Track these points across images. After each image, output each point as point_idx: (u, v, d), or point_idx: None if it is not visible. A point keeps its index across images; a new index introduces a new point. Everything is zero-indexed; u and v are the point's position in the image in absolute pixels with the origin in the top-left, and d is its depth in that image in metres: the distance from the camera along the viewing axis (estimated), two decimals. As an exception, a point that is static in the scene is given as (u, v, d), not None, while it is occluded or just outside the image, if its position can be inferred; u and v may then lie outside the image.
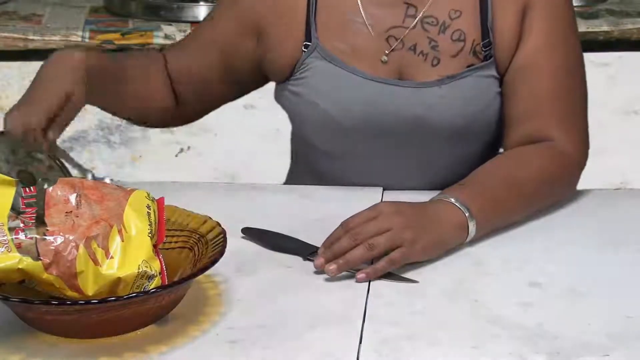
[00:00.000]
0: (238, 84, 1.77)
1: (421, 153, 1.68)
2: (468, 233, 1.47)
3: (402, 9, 1.64)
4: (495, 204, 1.51)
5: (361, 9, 1.65)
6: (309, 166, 1.79)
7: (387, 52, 1.64)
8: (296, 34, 1.67)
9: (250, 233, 1.52)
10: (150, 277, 1.24)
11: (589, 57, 2.78)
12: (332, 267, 1.39)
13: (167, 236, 1.32)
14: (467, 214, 1.47)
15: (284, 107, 1.75)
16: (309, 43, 1.66)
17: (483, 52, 1.64)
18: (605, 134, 2.72)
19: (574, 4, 2.85)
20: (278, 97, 1.75)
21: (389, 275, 1.40)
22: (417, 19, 1.64)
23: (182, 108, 1.76)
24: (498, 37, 1.63)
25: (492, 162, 1.62)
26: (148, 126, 1.91)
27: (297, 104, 1.70)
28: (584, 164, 1.66)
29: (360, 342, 1.25)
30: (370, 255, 1.39)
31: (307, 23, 1.66)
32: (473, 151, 1.69)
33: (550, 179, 1.60)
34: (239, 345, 1.25)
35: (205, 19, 1.81)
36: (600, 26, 2.80)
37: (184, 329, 1.27)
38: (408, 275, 1.41)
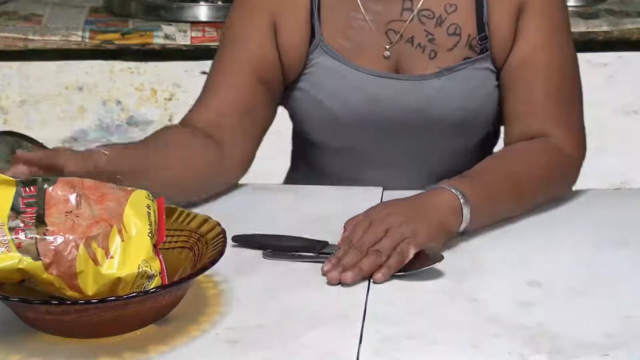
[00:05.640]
0: (276, 100, 1.73)
1: (420, 147, 1.70)
2: (463, 218, 1.48)
3: (399, 3, 1.67)
4: (490, 193, 1.52)
5: (361, 5, 1.68)
6: (308, 164, 1.79)
7: (387, 46, 1.67)
8: (301, 29, 1.68)
9: (245, 240, 1.50)
10: (150, 277, 1.24)
11: (589, 57, 2.81)
12: (348, 275, 1.38)
13: (167, 236, 1.32)
14: (461, 199, 1.47)
15: (286, 107, 1.76)
16: (313, 39, 1.68)
17: (479, 46, 1.66)
18: (605, 134, 2.72)
19: (574, 4, 2.91)
20: (282, 99, 1.74)
21: (409, 270, 1.41)
22: (414, 12, 1.66)
23: (228, 159, 1.65)
24: (494, 33, 1.66)
25: (491, 157, 1.64)
26: (199, 197, 1.64)
27: (300, 100, 1.71)
28: (582, 162, 1.67)
29: (360, 342, 1.25)
30: (381, 261, 1.39)
31: (311, 20, 1.68)
32: (471, 145, 1.71)
33: (547, 174, 1.61)
34: (238, 345, 1.25)
35: (225, 48, 1.70)
36: (600, 26, 2.80)
37: (183, 329, 1.27)
38: (408, 277, 1.41)
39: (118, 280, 1.22)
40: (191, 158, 1.60)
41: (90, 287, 1.22)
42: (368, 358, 1.22)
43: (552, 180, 1.62)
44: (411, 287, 1.39)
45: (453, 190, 1.48)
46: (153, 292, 1.22)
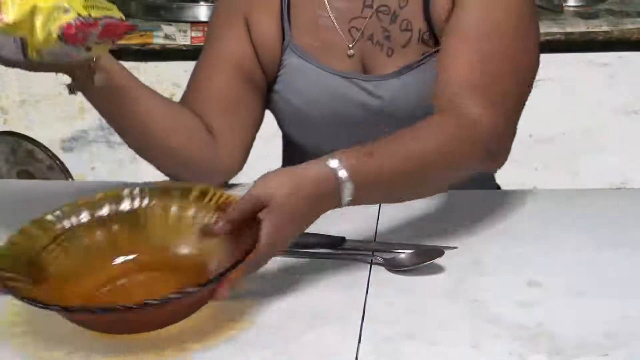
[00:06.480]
0: (262, 98, 1.74)
1: None
2: (342, 199, 1.36)
3: (361, 0, 1.67)
4: (384, 171, 1.40)
5: (327, 3, 1.69)
6: (290, 163, 1.78)
7: (350, 45, 1.68)
8: (273, 30, 1.70)
9: None
10: (66, 11, 1.29)
11: (589, 57, 2.81)
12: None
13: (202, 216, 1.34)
14: (345, 181, 1.35)
15: (269, 108, 1.77)
16: (285, 39, 1.70)
17: (432, 39, 1.64)
18: (605, 133, 2.72)
19: (574, 4, 2.91)
20: (267, 100, 1.76)
21: (409, 266, 1.41)
22: (373, 8, 1.67)
23: (218, 147, 1.67)
24: (437, 23, 1.62)
25: (397, 134, 1.48)
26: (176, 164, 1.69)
27: (276, 102, 1.73)
28: (501, 134, 1.52)
29: (359, 342, 1.25)
30: None
31: (281, 21, 1.70)
32: None
33: (450, 151, 1.47)
34: (238, 345, 1.25)
35: (209, 46, 1.73)
36: (600, 26, 2.80)
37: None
38: (407, 277, 1.41)
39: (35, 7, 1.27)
40: (177, 120, 1.63)
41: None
42: (367, 358, 1.22)
43: (449, 151, 1.46)
44: (411, 287, 1.39)
45: (339, 171, 1.35)
46: (173, 298, 1.19)
